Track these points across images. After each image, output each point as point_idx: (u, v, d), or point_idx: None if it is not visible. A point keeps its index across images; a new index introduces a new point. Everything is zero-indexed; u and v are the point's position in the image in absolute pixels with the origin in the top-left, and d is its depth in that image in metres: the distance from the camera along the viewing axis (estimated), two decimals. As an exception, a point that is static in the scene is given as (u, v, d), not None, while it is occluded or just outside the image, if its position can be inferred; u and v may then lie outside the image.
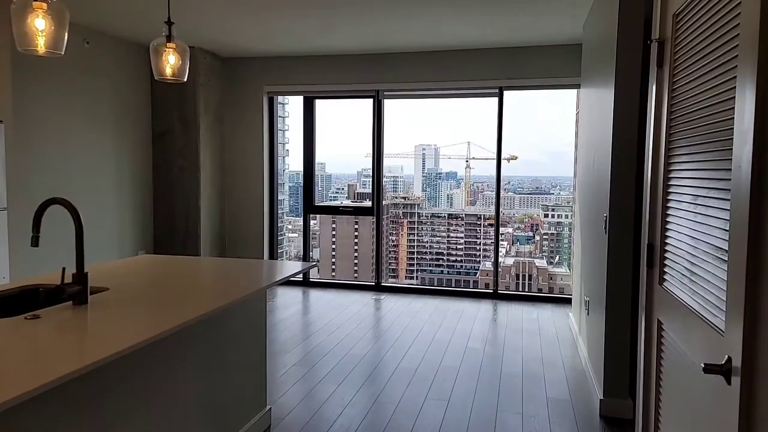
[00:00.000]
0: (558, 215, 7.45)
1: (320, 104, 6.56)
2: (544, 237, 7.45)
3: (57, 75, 4.76)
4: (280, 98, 6.78)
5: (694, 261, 1.58)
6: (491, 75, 5.76)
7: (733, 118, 1.30)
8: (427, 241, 7.65)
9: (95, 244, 5.26)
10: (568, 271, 7.10)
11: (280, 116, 6.95)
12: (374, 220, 6.42)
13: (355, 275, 7.48)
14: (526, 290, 7.42)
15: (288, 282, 6.50)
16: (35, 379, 1.27)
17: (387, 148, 7.15)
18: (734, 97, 1.29)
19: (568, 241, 7.27)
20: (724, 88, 1.39)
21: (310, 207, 6.61)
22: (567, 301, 5.69)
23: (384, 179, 7.98)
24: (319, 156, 7.75)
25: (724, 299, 1.30)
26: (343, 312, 5.38)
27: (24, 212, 4.34)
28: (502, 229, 7.57)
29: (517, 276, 7.14)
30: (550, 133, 7.88)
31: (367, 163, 6.41)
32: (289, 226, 7.60)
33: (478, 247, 7.43)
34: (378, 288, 6.33)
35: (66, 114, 4.90)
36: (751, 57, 1.19)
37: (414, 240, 7.65)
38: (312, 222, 7.74)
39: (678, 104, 1.80)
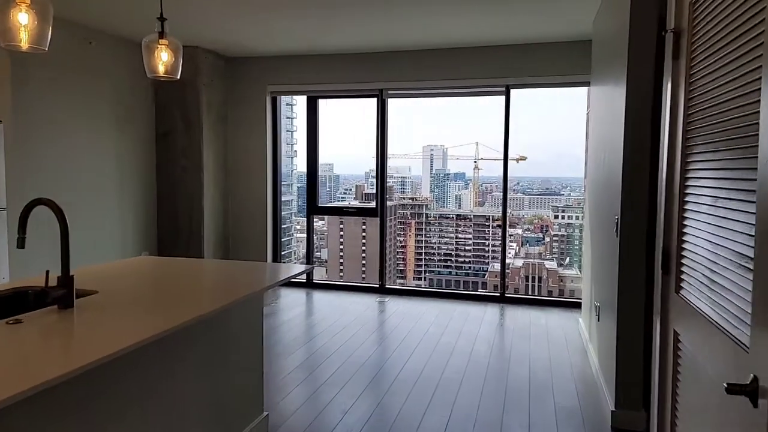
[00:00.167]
0: (568, 216, 7.38)
1: (327, 104, 6.48)
2: (555, 238, 7.38)
3: (59, 75, 4.70)
4: (288, 99, 6.71)
5: (714, 268, 1.46)
6: (497, 73, 5.63)
7: (758, 111, 1.18)
8: (435, 242, 7.61)
9: (97, 245, 5.21)
10: (578, 273, 7.01)
11: (288, 117, 6.88)
12: (378, 221, 6.30)
13: (363, 276, 7.45)
14: (536, 292, 7.30)
15: (292, 283, 6.43)
16: (11, 387, 1.20)
17: (395, 148, 7.08)
18: (759, 89, 1.18)
19: (579, 242, 7.19)
20: (748, 79, 1.27)
21: (313, 208, 6.51)
22: (576, 306, 5.54)
23: (392, 180, 7.92)
24: (327, 156, 7.69)
25: (749, 312, 1.18)
26: (346, 314, 5.28)
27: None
28: (511, 231, 7.46)
29: (527, 278, 7.06)
30: (560, 134, 7.76)
31: (375, 164, 6.31)
32: (298, 227, 7.53)
33: (486, 248, 7.39)
34: (382, 290, 6.22)
35: (68, 114, 4.84)
36: (780, 43, 1.07)
37: (422, 241, 7.63)
38: (320, 223, 7.70)
39: (696, 98, 1.68)
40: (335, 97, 6.29)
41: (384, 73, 5.90)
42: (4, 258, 3.53)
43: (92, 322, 1.78)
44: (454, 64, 5.72)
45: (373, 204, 6.34)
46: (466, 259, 7.45)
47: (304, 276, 6.49)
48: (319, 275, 7.66)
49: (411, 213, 7.71)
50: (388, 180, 6.75)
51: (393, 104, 6.23)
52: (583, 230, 5.44)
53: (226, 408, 2.50)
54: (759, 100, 1.17)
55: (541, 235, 7.53)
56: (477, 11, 4.46)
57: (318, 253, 7.83)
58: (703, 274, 1.54)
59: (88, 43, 4.94)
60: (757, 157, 1.16)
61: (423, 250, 7.61)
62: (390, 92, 5.98)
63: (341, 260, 7.67)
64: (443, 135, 8.18)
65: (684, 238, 1.74)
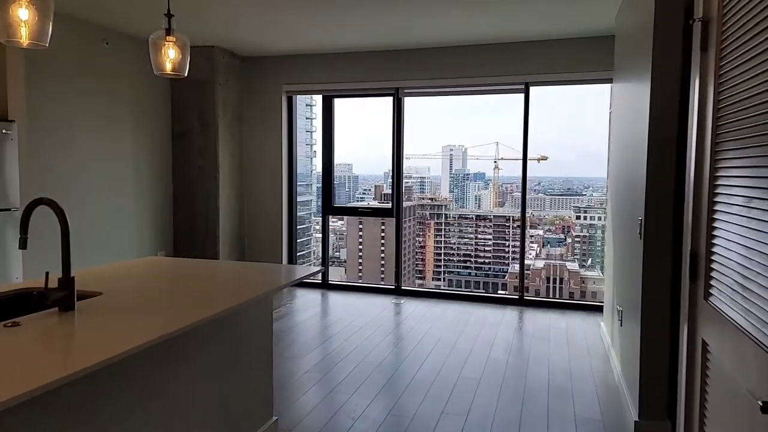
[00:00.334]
0: (590, 217, 7.27)
1: (345, 104, 6.42)
2: (576, 239, 7.28)
3: (75, 75, 4.73)
4: (307, 99, 6.68)
5: (747, 274, 1.34)
6: (516, 70, 5.50)
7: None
8: (455, 243, 7.58)
9: (113, 246, 5.23)
10: (601, 274, 6.88)
11: (307, 117, 6.86)
12: (394, 221, 6.21)
13: (382, 276, 7.42)
14: (557, 294, 7.18)
15: (307, 284, 6.39)
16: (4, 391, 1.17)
17: (414, 148, 7.04)
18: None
19: (601, 243, 7.10)
20: (787, 68, 1.16)
21: (328, 208, 6.45)
22: (598, 309, 5.38)
23: (411, 180, 7.88)
24: (346, 157, 7.70)
25: (788, 324, 1.07)
26: (361, 316, 5.21)
27: (38, 212, 4.31)
28: (532, 231, 7.39)
29: (548, 279, 6.97)
30: (582, 133, 7.62)
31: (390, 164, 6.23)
32: (317, 227, 7.54)
33: (507, 249, 7.33)
34: (398, 291, 6.13)
35: (84, 114, 4.87)
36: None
37: (441, 241, 7.59)
38: (339, 223, 7.68)
39: (726, 92, 1.56)
40: (350, 96, 6.22)
41: (400, 72, 5.82)
42: (19, 258, 3.54)
43: (92, 325, 1.74)
44: (471, 61, 5.60)
45: (389, 204, 6.25)
46: (486, 260, 7.41)
47: (320, 277, 6.44)
48: (338, 275, 7.69)
49: (430, 213, 7.69)
50: (406, 180, 6.69)
51: (412, 104, 6.15)
52: (606, 231, 5.29)
53: (233, 412, 2.44)
54: (800, 91, 1.06)
55: (562, 236, 7.45)
56: (495, 6, 4.35)
57: (337, 253, 7.86)
58: (735, 281, 1.43)
59: (104, 43, 4.96)
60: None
61: (442, 251, 7.58)
62: (406, 91, 5.89)
63: (360, 260, 7.63)
64: (463, 135, 8.13)
65: (714, 242, 1.62)
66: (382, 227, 7.42)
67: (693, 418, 1.82)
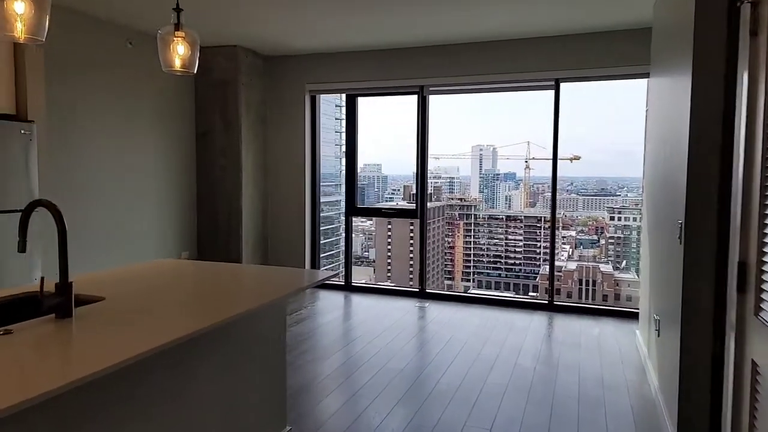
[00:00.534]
0: (625, 218, 7.09)
1: (373, 103, 6.33)
2: (610, 241, 7.12)
3: (98, 75, 4.74)
4: (336, 99, 6.59)
5: (809, 292, 1.15)
6: (545, 66, 5.28)
7: None
8: (484, 244, 7.52)
9: (136, 246, 5.24)
10: (636, 277, 6.65)
11: (336, 118, 6.79)
12: (418, 223, 6.06)
13: (410, 276, 7.41)
14: (590, 296, 6.96)
15: (330, 286, 6.31)
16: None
17: (443, 148, 6.93)
18: None
19: (637, 245, 6.86)
20: None
21: (352, 209, 6.34)
22: (633, 316, 5.11)
23: (440, 180, 7.80)
24: (375, 157, 7.80)
25: None
26: (384, 319, 5.08)
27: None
28: (564, 232, 7.25)
29: (580, 281, 6.80)
30: (616, 131, 7.38)
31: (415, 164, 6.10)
32: (345, 227, 7.48)
33: (538, 250, 7.24)
34: (422, 294, 5.98)
35: (107, 115, 4.88)
36: None
37: (470, 242, 7.54)
38: (368, 223, 7.61)
39: (783, 81, 1.37)
40: (374, 94, 6.10)
41: (425, 69, 5.66)
42: (39, 259, 3.53)
43: (88, 333, 1.66)
44: (498, 57, 5.41)
45: (413, 205, 6.10)
46: (517, 261, 7.33)
47: (343, 278, 6.34)
48: (367, 275, 7.70)
49: (459, 214, 7.65)
50: (435, 181, 6.57)
51: (440, 103, 6.01)
52: (641, 233, 5.02)
53: (243, 423, 2.35)
54: None
55: (595, 237, 7.31)
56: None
57: (366, 253, 7.89)
58: (794, 298, 1.24)
59: (128, 44, 4.96)
60: None
61: (471, 252, 7.53)
62: (431, 89, 5.73)
63: (389, 261, 7.55)
64: (493, 134, 8.04)
65: (766, 251, 1.43)
66: (411, 227, 7.38)
67: (740, 445, 1.63)
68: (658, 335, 3.45)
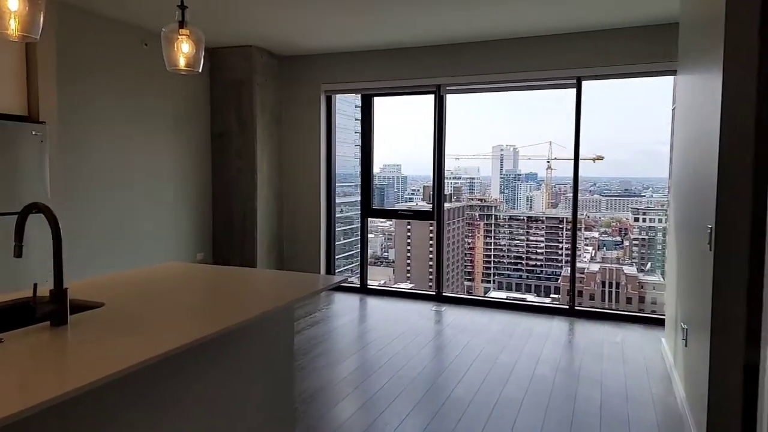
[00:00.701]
0: (650, 219, 6.94)
1: (391, 103, 6.25)
2: (634, 242, 6.97)
3: (113, 76, 4.74)
4: (356, 100, 6.53)
5: None
6: (567, 63, 5.11)
7: None
8: (505, 245, 7.44)
9: (152, 247, 5.22)
10: (661, 279, 6.49)
11: (356, 119, 6.74)
12: (435, 225, 5.93)
13: (430, 277, 7.37)
14: (613, 299, 6.76)
15: (345, 288, 6.24)
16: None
17: (463, 148, 6.85)
18: None
19: (662, 247, 6.71)
20: None
21: (367, 210, 6.25)
22: (659, 323, 4.92)
23: (459, 181, 7.71)
24: (395, 157, 7.76)
25: None
26: (399, 323, 4.98)
27: (72, 214, 4.32)
28: (586, 234, 7.16)
29: (603, 283, 6.67)
30: (641, 130, 7.19)
31: (445, 165, 6.02)
32: (361, 228, 7.43)
33: (560, 252, 7.13)
34: (439, 298, 5.85)
35: (122, 115, 4.87)
36: None
37: (491, 243, 7.48)
38: (388, 223, 7.55)
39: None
40: (390, 94, 6.00)
41: (441, 68, 5.54)
42: (47, 261, 3.51)
43: (81, 342, 1.59)
44: (517, 55, 5.26)
45: (431, 206, 5.98)
46: (538, 263, 7.24)
47: (358, 281, 6.26)
48: (386, 276, 7.69)
49: (480, 214, 7.59)
50: (456, 181, 6.46)
51: (459, 102, 5.91)
52: (667, 236, 4.83)
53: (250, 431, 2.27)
54: None
55: (619, 238, 7.18)
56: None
57: (386, 254, 7.89)
58: None
59: (143, 45, 4.95)
60: None
61: (492, 253, 7.46)
62: (448, 88, 5.60)
63: (408, 261, 7.51)
64: (514, 134, 7.92)
65: (811, 264, 1.29)
66: (431, 228, 7.33)
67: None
68: (686, 345, 3.29)
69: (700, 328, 2.86)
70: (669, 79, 5.13)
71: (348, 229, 6.67)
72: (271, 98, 6.01)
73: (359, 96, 6.18)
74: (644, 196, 7.25)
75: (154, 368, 1.76)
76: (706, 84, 2.98)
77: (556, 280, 7.20)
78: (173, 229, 5.50)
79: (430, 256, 7.31)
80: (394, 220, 7.53)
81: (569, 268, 5.45)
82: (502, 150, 7.79)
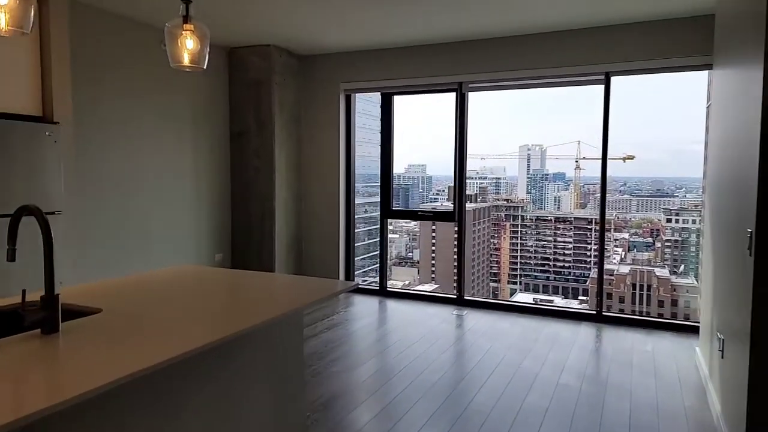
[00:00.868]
0: (683, 220, 6.76)
1: (414, 102, 6.13)
2: (667, 244, 6.80)
3: (131, 76, 4.72)
4: (380, 99, 6.43)
5: None
6: (594, 59, 4.90)
7: None
8: (532, 246, 7.34)
9: (171, 248, 5.21)
10: (695, 282, 6.25)
11: (378, 118, 6.66)
12: (455, 226, 5.78)
13: (455, 278, 7.33)
14: (644, 302, 6.57)
15: (364, 290, 6.16)
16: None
17: (489, 148, 6.75)
18: None
19: (696, 249, 6.51)
20: None
21: (387, 211, 6.13)
22: (693, 330, 4.67)
23: (485, 181, 7.60)
24: (420, 157, 7.73)
25: None
26: (418, 327, 4.84)
27: (88, 215, 4.32)
28: (616, 235, 7.01)
29: (633, 286, 6.51)
30: (674, 128, 6.94)
31: (470, 164, 5.92)
32: (390, 227, 7.46)
33: (588, 253, 7.02)
34: (460, 302, 5.69)
35: (140, 115, 4.86)
36: None
37: (517, 244, 7.38)
38: (413, 223, 7.48)
39: None
40: (410, 92, 5.87)
41: (463, 65, 5.39)
42: (63, 262, 3.49)
43: (71, 351, 1.51)
44: (542, 50, 5.07)
45: (453, 207, 5.82)
46: (566, 264, 7.13)
47: (377, 284, 6.15)
48: (411, 276, 7.67)
49: (506, 215, 7.52)
50: (482, 181, 6.34)
51: (484, 101, 5.75)
52: (702, 238, 4.59)
53: (252, 445, 2.18)
54: None
55: (650, 239, 7.02)
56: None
57: (410, 254, 7.87)
58: None
59: (161, 45, 4.93)
60: None
61: (518, 254, 7.36)
62: (470, 86, 5.44)
63: (433, 263, 7.46)
64: (541, 134, 7.79)
65: None
66: (456, 228, 7.27)
67: None
68: (722, 356, 3.07)
69: (738, 338, 2.66)
70: (703, 74, 4.89)
71: (373, 229, 6.61)
72: (290, 98, 5.94)
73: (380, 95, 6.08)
74: (677, 196, 7.06)
75: (154, 376, 1.69)
76: (744, 79, 2.77)
77: (585, 282, 7.06)
78: (192, 229, 5.48)
79: (455, 257, 7.20)
80: (418, 221, 7.44)
81: (597, 271, 5.25)
82: (529, 149, 7.67)
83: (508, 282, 7.49)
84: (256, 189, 5.80)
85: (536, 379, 3.68)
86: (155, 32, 4.92)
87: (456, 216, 5.68)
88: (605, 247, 5.25)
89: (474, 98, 5.63)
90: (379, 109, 6.02)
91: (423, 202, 7.48)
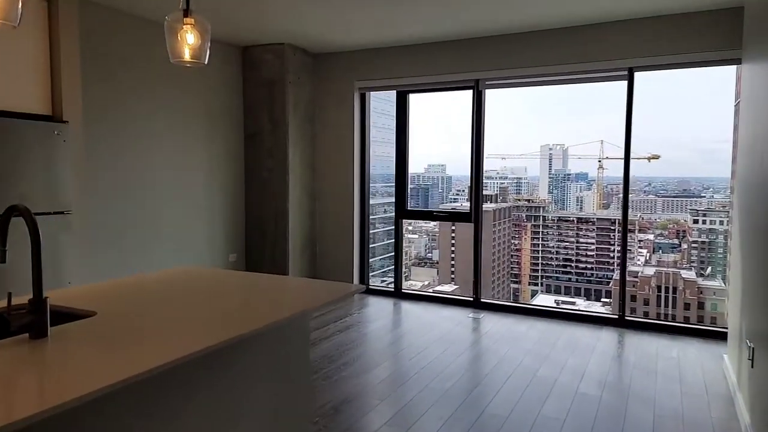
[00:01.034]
0: (710, 221, 6.60)
1: (432, 101, 6.03)
2: (693, 245, 6.65)
3: (144, 75, 4.71)
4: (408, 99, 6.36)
5: None
6: (617, 53, 4.72)
7: None
8: (554, 246, 7.25)
9: (185, 248, 5.19)
10: (722, 284, 6.09)
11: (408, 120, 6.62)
12: (472, 227, 5.64)
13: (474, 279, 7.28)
14: (669, 305, 6.36)
15: (379, 291, 6.06)
16: None
17: (510, 148, 6.66)
18: None
19: (724, 251, 6.37)
20: None
21: (402, 212, 6.02)
22: (720, 337, 4.47)
23: (506, 181, 7.51)
24: (439, 157, 7.70)
25: None
26: (433, 330, 4.73)
27: (100, 215, 4.31)
28: (641, 236, 6.90)
29: (658, 288, 6.36)
30: (700, 126, 6.72)
31: (489, 165, 5.82)
32: (409, 227, 7.53)
33: (611, 254, 6.90)
34: (477, 304, 5.56)
35: (154, 115, 4.85)
36: None
37: (538, 244, 7.30)
38: (432, 224, 7.52)
39: None
40: (425, 90, 5.75)
41: (479, 61, 5.25)
42: (73, 262, 3.48)
43: (58, 357, 1.45)
44: (561, 46, 4.91)
45: (470, 207, 5.69)
46: (588, 265, 7.03)
47: (392, 285, 6.05)
48: (430, 277, 7.60)
49: (527, 215, 7.44)
50: (502, 181, 6.24)
51: (504, 99, 5.63)
52: (731, 241, 4.39)
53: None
54: None
55: (676, 241, 6.88)
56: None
57: (429, 254, 7.81)
58: None
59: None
60: None
61: (540, 255, 7.28)
62: (487, 83, 5.30)
63: (452, 263, 7.39)
64: (563, 133, 7.65)
65: None
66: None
67: None
68: (752, 365, 2.90)
69: (770, 348, 2.49)
70: (731, 70, 4.68)
71: (392, 229, 6.56)
72: (304, 96, 5.88)
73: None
74: (704, 196, 6.87)
75: (148, 381, 1.62)
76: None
77: (608, 283, 6.93)
78: (205, 230, 5.45)
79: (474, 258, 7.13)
80: (435, 221, 7.36)
81: (620, 274, 5.08)
82: (550, 149, 7.55)
83: (529, 283, 7.39)
84: (270, 189, 5.75)
85: (554, 386, 3.53)
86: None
87: (472, 217, 5.55)
88: (629, 248, 5.08)
89: (493, 96, 5.51)
90: (401, 109, 5.94)
91: (443, 203, 7.42)
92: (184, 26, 2.10)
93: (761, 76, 3.10)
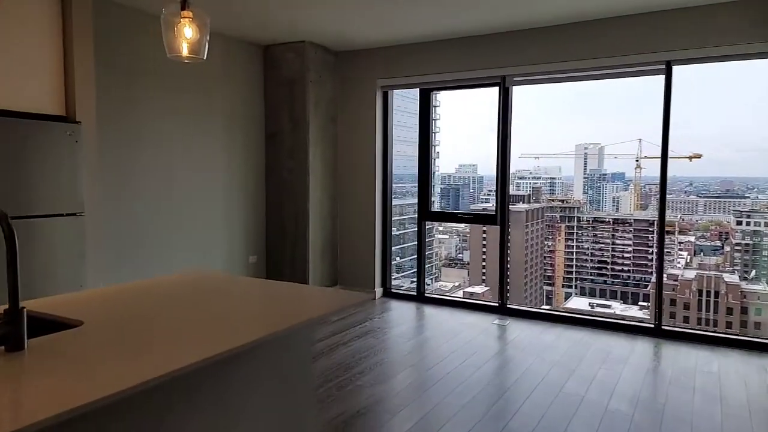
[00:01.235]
0: (755, 223, 6.39)
1: (458, 100, 5.87)
2: (737, 248, 6.44)
3: (162, 75, 4.67)
4: (432, 97, 6.21)
5: None
6: (653, 47, 4.44)
7: None
8: (588, 248, 7.09)
9: (204, 250, 5.15)
10: (767, 289, 5.86)
11: (433, 119, 6.47)
12: (498, 229, 5.43)
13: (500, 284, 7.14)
14: (711, 309, 6.14)
15: (401, 295, 5.92)
16: None
17: (543, 147, 6.65)
18: None
19: None
20: None
21: (425, 213, 5.85)
22: (765, 348, 4.15)
23: (540, 181, 7.33)
24: (470, 157, 7.60)
25: None
26: (454, 339, 4.55)
27: (118, 217, 4.29)
28: (681, 238, 6.75)
29: (700, 291, 6.18)
30: (745, 123, 6.37)
31: (522, 164, 5.62)
32: (440, 228, 7.48)
33: (650, 256, 6.71)
34: (502, 310, 5.34)
35: (173, 116, 4.81)
36: None
37: (573, 246, 7.15)
38: (462, 225, 7.48)
39: None
40: (449, 88, 5.56)
41: (506, 57, 5.03)
42: (83, 265, 3.44)
43: (34, 372, 1.35)
44: (593, 39, 4.65)
45: (495, 209, 5.48)
46: (625, 268, 6.85)
47: (415, 289, 5.89)
48: (461, 278, 7.53)
49: (561, 216, 7.32)
50: (535, 182, 6.08)
51: (536, 97, 5.45)
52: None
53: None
54: None
55: (719, 243, 6.68)
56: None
57: (460, 255, 7.76)
58: None
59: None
60: None
61: (574, 257, 7.14)
62: (515, 79, 5.08)
63: (483, 264, 7.28)
64: (599, 131, 7.42)
65: None
66: (508, 230, 7.08)
67: None
68: (804, 387, 2.63)
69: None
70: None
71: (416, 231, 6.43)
72: (325, 95, 5.77)
73: (434, 94, 5.84)
74: (748, 197, 6.62)
75: (135, 396, 1.51)
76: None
77: (646, 287, 6.72)
78: (225, 231, 5.40)
79: (508, 258, 7.00)
80: (459, 223, 7.21)
81: (656, 279, 4.81)
82: (585, 148, 7.34)
83: (563, 285, 7.22)
84: (291, 190, 5.67)
85: (581, 403, 3.31)
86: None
87: (498, 219, 5.33)
88: (668, 251, 4.80)
89: (524, 94, 5.29)
90: (435, 110, 5.78)
91: (474, 203, 7.33)
92: (181, 20, 1.99)
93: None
